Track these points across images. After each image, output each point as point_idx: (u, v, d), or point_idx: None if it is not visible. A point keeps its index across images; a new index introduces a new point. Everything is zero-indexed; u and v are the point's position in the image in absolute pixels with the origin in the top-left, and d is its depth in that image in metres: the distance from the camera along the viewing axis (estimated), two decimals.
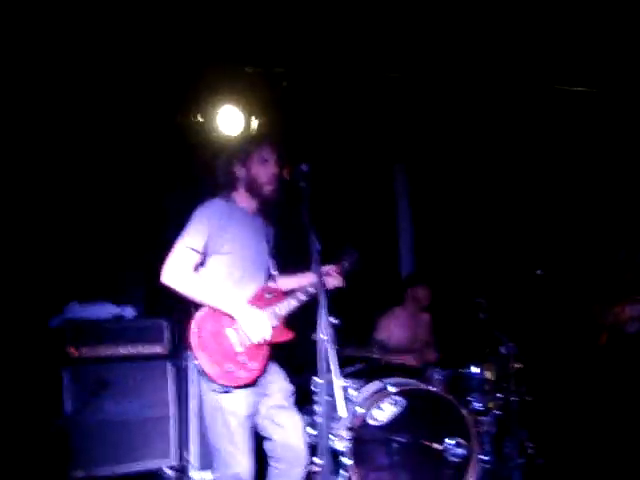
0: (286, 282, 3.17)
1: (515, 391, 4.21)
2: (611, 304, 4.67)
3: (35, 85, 4.27)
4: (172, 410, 4.70)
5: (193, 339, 2.77)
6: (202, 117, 4.79)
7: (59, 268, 4.80)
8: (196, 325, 2.80)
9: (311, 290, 2.95)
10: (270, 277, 3.10)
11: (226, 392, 2.76)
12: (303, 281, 3.09)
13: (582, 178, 5.77)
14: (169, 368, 4.72)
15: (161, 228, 5.06)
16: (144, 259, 5.12)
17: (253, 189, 2.98)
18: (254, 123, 4.63)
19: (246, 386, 2.81)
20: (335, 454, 4.09)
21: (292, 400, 3.04)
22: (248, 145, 3.06)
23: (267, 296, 2.97)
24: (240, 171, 2.99)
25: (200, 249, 2.83)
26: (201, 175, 4.78)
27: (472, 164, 5.85)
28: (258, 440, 3.01)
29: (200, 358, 2.75)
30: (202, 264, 2.90)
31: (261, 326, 2.81)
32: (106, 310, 4.69)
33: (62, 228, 4.86)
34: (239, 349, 2.80)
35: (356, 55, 4.56)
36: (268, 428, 2.97)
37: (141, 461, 4.54)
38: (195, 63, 4.45)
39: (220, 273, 2.89)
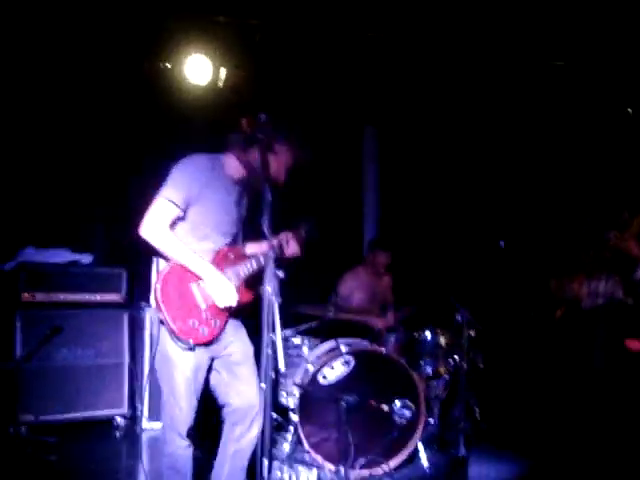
0: (250, 248, 3.14)
1: (467, 358, 4.27)
2: (570, 279, 4.73)
3: None
4: (126, 359, 4.69)
5: (158, 293, 2.73)
6: (170, 64, 4.65)
7: (18, 212, 4.71)
8: (161, 279, 2.76)
9: (271, 254, 2.93)
10: (238, 239, 3.08)
11: (189, 350, 2.74)
12: (264, 247, 3.02)
13: (548, 152, 5.79)
14: (125, 317, 4.70)
15: (125, 176, 4.98)
16: (105, 207, 5.05)
17: (259, 175, 2.80)
18: (222, 73, 4.52)
19: (205, 344, 2.80)
20: (284, 410, 4.16)
21: (251, 361, 2.96)
22: (275, 136, 2.88)
23: (230, 256, 2.95)
24: (259, 152, 2.79)
25: (180, 203, 2.77)
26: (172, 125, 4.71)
27: (444, 132, 5.82)
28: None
29: (164, 312, 2.72)
30: (181, 217, 2.84)
31: (228, 292, 2.80)
32: (62, 256, 4.63)
33: (24, 172, 4.76)
34: (203, 305, 2.80)
35: (333, 12, 4.46)
36: (226, 392, 2.96)
37: (92, 409, 4.55)
38: (167, 9, 4.31)
39: (186, 224, 2.85)
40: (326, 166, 5.65)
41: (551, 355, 4.73)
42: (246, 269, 2.93)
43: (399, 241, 5.33)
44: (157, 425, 4.48)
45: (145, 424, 4.58)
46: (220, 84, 4.55)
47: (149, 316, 4.56)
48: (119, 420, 4.66)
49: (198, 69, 4.51)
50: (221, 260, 2.91)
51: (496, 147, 5.91)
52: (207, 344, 2.81)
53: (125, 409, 4.67)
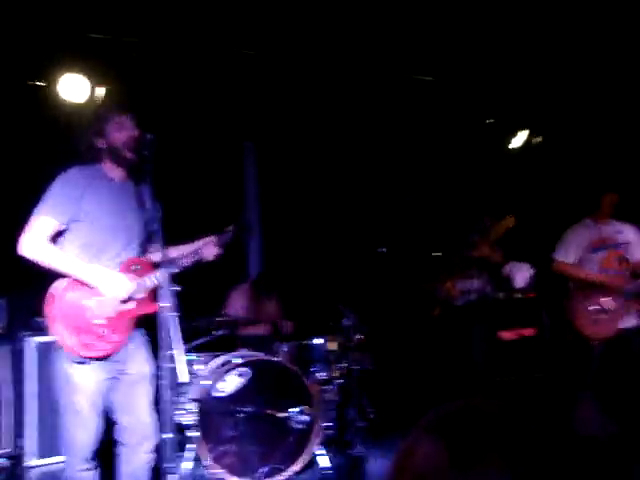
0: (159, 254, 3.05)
1: (357, 361, 4.44)
2: (442, 280, 5.07)
3: None
4: (7, 394, 4.42)
5: (50, 310, 2.72)
6: (45, 82, 4.52)
7: None
8: (54, 296, 2.74)
9: (181, 262, 2.97)
10: (145, 246, 3.06)
11: (81, 363, 2.72)
12: (174, 252, 3.06)
13: (421, 162, 6.17)
14: (4, 350, 4.44)
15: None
16: None
17: (116, 156, 2.92)
18: (99, 91, 4.44)
19: (103, 359, 2.77)
20: (182, 428, 4.12)
21: (146, 381, 2.96)
22: (102, 115, 2.98)
23: (133, 268, 2.91)
24: (100, 142, 2.92)
25: (57, 218, 2.76)
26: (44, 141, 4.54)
27: (321, 144, 6.02)
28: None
29: (57, 330, 2.70)
30: (62, 233, 2.81)
31: (117, 284, 2.78)
32: None
33: None
34: (99, 321, 2.76)
35: (210, 30, 4.52)
36: (117, 411, 2.93)
37: None
38: (39, 26, 4.18)
39: (79, 243, 2.82)
40: (209, 182, 5.68)
41: (433, 351, 5.03)
42: (152, 280, 2.90)
43: (282, 252, 5.45)
44: (48, 460, 4.27)
45: (33, 461, 4.32)
46: (97, 102, 4.46)
47: (31, 346, 4.34)
48: (2, 461, 4.37)
49: (74, 87, 4.41)
50: (125, 271, 2.88)
51: (370, 156, 6.20)
52: (105, 359, 2.78)
53: (8, 449, 4.39)
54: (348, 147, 6.06)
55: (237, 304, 5.19)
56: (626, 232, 4.51)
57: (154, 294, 2.92)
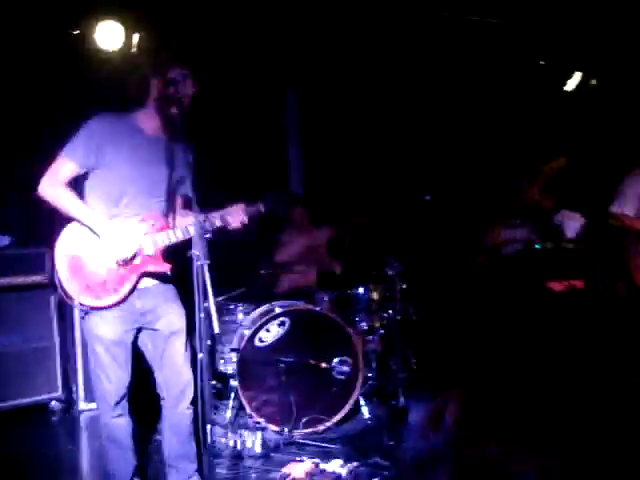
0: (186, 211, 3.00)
1: (400, 310, 4.37)
2: (488, 228, 4.90)
3: None
4: (57, 341, 4.55)
5: (56, 259, 2.71)
6: (81, 30, 4.47)
7: None
8: (60, 244, 2.73)
9: (206, 225, 2.75)
10: (174, 202, 2.97)
11: (85, 313, 2.72)
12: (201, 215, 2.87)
13: (466, 106, 5.92)
14: (52, 298, 4.55)
15: (36, 153, 4.75)
16: (18, 186, 4.82)
17: (162, 106, 2.78)
18: (135, 38, 4.36)
19: (110, 309, 2.74)
20: (224, 377, 4.16)
21: (178, 335, 2.90)
22: (164, 60, 2.81)
23: (152, 223, 2.83)
24: (155, 86, 2.78)
25: (76, 162, 2.72)
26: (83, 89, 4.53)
27: (362, 89, 5.83)
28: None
29: (62, 276, 2.69)
30: (84, 182, 2.79)
31: (120, 244, 2.72)
32: None
33: None
34: (102, 271, 2.72)
35: None
36: (154, 365, 2.93)
37: (25, 395, 4.40)
38: None
39: (99, 191, 2.78)
40: (250, 128, 5.59)
41: (476, 301, 4.91)
42: (165, 239, 2.82)
43: (324, 199, 5.35)
44: (94, 405, 4.41)
45: (82, 405, 4.48)
46: (133, 49, 4.38)
47: None
48: (54, 404, 4.54)
49: (110, 35, 4.34)
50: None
51: (415, 101, 5.99)
52: (121, 310, 2.76)
53: (60, 392, 4.55)
54: (393, 92, 5.85)
55: (283, 247, 5.09)
56: None
57: (167, 253, 2.84)
